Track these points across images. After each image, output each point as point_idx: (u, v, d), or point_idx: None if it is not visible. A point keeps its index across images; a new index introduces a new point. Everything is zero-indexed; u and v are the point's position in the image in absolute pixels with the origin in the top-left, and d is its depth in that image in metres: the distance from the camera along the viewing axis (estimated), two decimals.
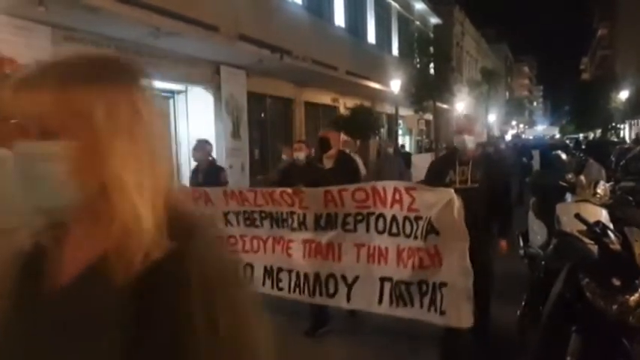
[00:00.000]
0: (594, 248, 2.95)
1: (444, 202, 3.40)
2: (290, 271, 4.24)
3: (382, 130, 22.60)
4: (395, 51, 24.21)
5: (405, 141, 25.12)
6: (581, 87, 45.74)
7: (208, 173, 5.78)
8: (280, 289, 4.29)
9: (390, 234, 3.73)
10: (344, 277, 3.95)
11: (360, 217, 3.89)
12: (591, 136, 38.83)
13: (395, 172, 9.07)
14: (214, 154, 12.54)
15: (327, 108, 18.92)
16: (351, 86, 18.23)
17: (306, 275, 4.13)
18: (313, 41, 15.55)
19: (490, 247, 3.90)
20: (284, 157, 8.12)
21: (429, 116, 25.78)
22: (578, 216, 3.11)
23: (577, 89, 44.82)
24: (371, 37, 21.62)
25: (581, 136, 40.90)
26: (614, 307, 2.52)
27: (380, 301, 3.73)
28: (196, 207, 4.22)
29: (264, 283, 4.35)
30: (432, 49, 23.36)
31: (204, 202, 4.65)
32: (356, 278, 3.90)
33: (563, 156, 10.11)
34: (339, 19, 18.47)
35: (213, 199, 4.63)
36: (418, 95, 21.94)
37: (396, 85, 17.99)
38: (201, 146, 6.22)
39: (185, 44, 10.46)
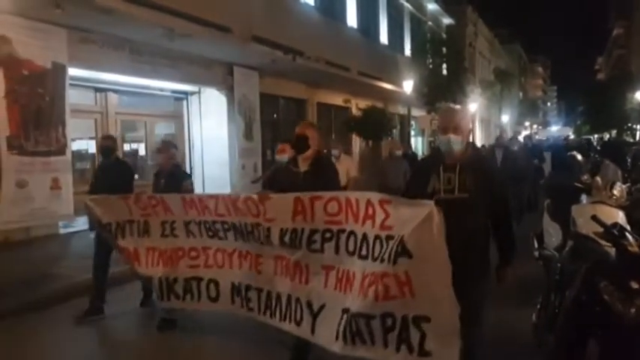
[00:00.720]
0: (611, 250, 2.91)
1: (420, 218, 2.74)
2: (260, 290, 3.71)
3: (394, 130, 22.54)
4: (407, 52, 24.12)
5: (418, 142, 25.01)
6: (597, 87, 45.23)
7: (171, 179, 5.09)
8: (250, 309, 3.78)
9: (360, 256, 3.09)
10: (309, 305, 3.34)
11: (328, 235, 3.26)
12: (606, 136, 38.33)
13: (400, 174, 8.93)
14: (226, 155, 12.68)
15: (340, 109, 18.92)
16: (363, 87, 18.20)
17: (278, 296, 3.59)
18: (326, 42, 15.56)
19: (484, 279, 3.03)
20: (277, 157, 8.02)
21: None
22: (594, 218, 3.08)
23: (592, 89, 44.29)
24: (383, 38, 21.57)
25: (595, 136, 40.41)
26: (632, 310, 2.49)
27: (337, 337, 3.07)
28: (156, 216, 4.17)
29: (232, 301, 3.88)
30: (444, 49, 23.26)
31: (164, 211, 4.20)
32: (322, 307, 3.28)
33: (579, 157, 10.00)
34: (352, 19, 18.46)
35: (172, 208, 4.16)
36: (431, 96, 21.85)
37: (408, 85, 17.94)
38: (166, 148, 5.48)
39: (198, 46, 10.54)
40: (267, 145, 14.37)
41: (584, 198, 5.14)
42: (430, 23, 27.61)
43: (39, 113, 7.90)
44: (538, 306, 3.74)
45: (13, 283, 5.81)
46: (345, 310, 3.03)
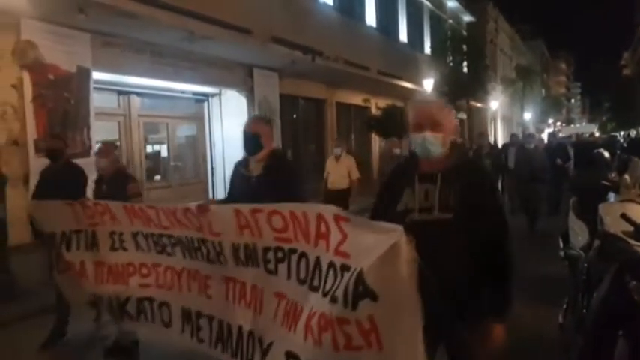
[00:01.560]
0: None
1: (383, 249, 1.97)
2: (211, 319, 3.05)
3: None
4: (427, 50, 23.95)
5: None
6: (623, 83, 44.24)
7: (114, 184, 4.61)
8: (201, 341, 3.11)
9: (311, 287, 2.37)
10: (260, 341, 2.71)
11: (280, 255, 2.55)
12: (633, 133, 37.47)
13: None
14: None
15: (359, 108, 18.88)
16: (383, 86, 18.14)
17: (229, 327, 2.93)
18: (345, 42, 15.54)
19: (470, 335, 2.30)
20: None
21: (463, 115, 25.40)
22: (624, 216, 3.01)
23: (618, 85, 43.34)
24: (403, 36, 21.46)
25: (622, 133, 39.53)
26: None
27: None
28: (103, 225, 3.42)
29: (182, 330, 3.22)
30: (465, 47, 23.03)
31: (111, 219, 3.59)
32: (270, 345, 2.63)
33: (606, 154, 9.81)
34: (371, 18, 18.41)
35: (118, 216, 3.56)
36: (451, 94, 21.64)
37: (428, 84, 17.83)
38: (107, 151, 4.93)
39: (219, 48, 10.64)
40: (287, 146, 14.42)
41: (611, 196, 5.04)
42: (450, 21, 27.37)
43: (65, 116, 8.07)
44: (564, 306, 3.68)
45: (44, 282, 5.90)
46: (291, 356, 2.39)
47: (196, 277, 3.13)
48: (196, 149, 12.83)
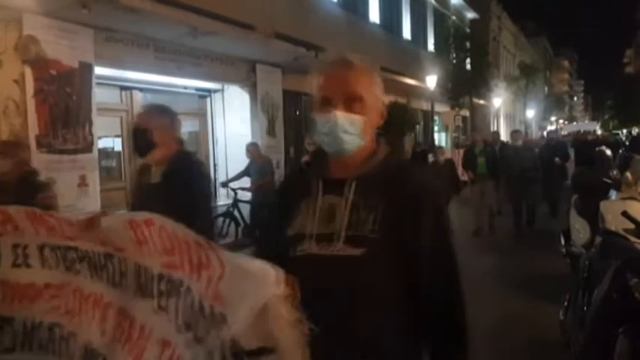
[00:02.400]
0: None
1: (258, 302, 1.32)
2: None
3: (418, 126, 22.37)
4: (430, 46, 23.89)
5: (441, 138, 24.78)
6: (626, 80, 44.10)
7: (22, 191, 3.89)
8: None
9: (196, 338, 1.68)
10: None
11: (168, 287, 1.80)
12: (635, 131, 37.37)
13: None
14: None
15: None
16: (385, 82, 17.19)
17: None
18: (348, 38, 15.52)
19: None
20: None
21: (466, 112, 25.34)
22: (625, 214, 3.02)
23: (621, 83, 43.20)
24: (406, 33, 21.40)
25: (624, 131, 39.43)
26: None
27: None
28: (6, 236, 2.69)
29: None
30: (468, 44, 22.98)
31: (13, 229, 2.72)
32: None
33: (608, 152, 9.79)
34: (374, 15, 18.36)
35: (20, 224, 2.75)
36: (454, 91, 21.62)
37: (431, 81, 17.78)
38: (10, 150, 4.13)
39: (222, 43, 10.63)
40: (290, 142, 14.42)
41: (613, 194, 5.04)
42: (454, 18, 27.26)
43: (67, 112, 8.07)
44: (565, 303, 3.67)
45: None
46: None
47: (100, 303, 2.23)
48: (199, 145, 12.82)
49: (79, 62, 8.18)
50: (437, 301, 1.45)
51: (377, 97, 1.64)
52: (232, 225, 9.69)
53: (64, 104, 8.05)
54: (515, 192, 9.31)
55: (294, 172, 2.02)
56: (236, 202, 9.60)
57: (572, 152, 13.11)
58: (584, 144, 15.72)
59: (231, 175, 12.47)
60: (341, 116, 1.48)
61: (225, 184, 9.78)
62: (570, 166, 11.80)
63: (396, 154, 1.61)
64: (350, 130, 1.49)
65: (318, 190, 1.53)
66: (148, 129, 2.72)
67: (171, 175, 2.66)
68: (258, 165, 9.96)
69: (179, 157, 2.77)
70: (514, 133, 10.65)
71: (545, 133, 41.86)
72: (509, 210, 9.56)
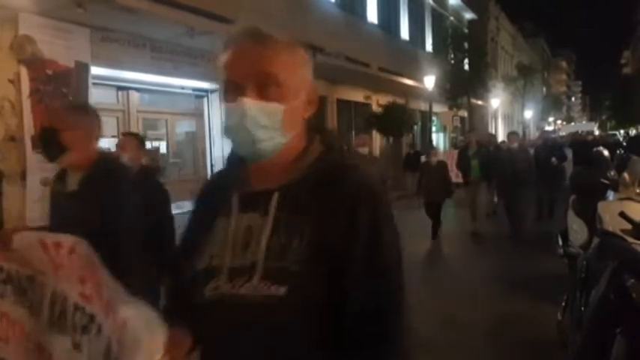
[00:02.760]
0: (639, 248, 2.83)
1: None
2: None
3: (416, 127, 22.38)
4: (429, 47, 23.90)
5: (439, 139, 24.79)
6: (623, 81, 44.21)
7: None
8: None
9: None
10: None
11: (84, 321, 1.41)
12: (632, 132, 37.45)
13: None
14: None
15: (360, 105, 18.85)
16: (384, 83, 18.10)
17: None
18: (346, 38, 15.50)
19: None
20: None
21: (464, 113, 25.36)
22: (622, 214, 3.00)
23: (618, 84, 43.31)
24: (404, 33, 21.41)
25: (622, 132, 39.51)
26: None
27: None
28: None
29: None
30: (466, 44, 23.00)
31: None
32: None
33: (605, 152, 9.78)
34: (372, 15, 18.36)
35: None
36: (452, 92, 21.63)
37: (430, 81, 17.79)
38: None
39: (219, 43, 10.57)
40: None
41: (610, 194, 5.02)
42: (452, 18, 27.29)
43: None
44: (563, 304, 3.66)
45: None
46: None
47: (23, 334, 1.87)
48: (196, 146, 12.80)
49: (75, 62, 8.15)
50: (363, 337, 1.05)
51: (302, 79, 1.25)
52: None
53: (60, 104, 8.01)
54: (507, 194, 9.11)
55: (211, 181, 1.53)
56: None
57: (569, 152, 12.66)
58: (582, 144, 15.67)
59: None
60: (251, 105, 1.11)
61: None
62: (568, 167, 11.48)
63: (333, 152, 1.21)
64: (265, 124, 1.11)
65: (231, 207, 1.17)
66: (58, 129, 2.29)
67: (89, 183, 2.25)
68: None
69: (101, 162, 2.36)
70: (510, 135, 10.39)
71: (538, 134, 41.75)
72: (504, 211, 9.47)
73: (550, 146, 11.22)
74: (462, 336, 4.19)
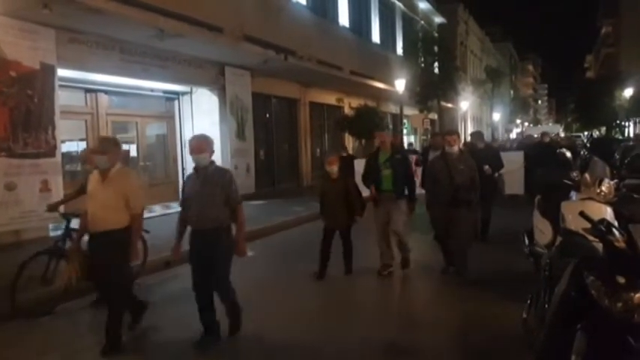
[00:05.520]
0: (599, 246, 2.93)
1: None
2: None
3: (387, 129, 22.58)
4: (399, 50, 24.17)
5: (411, 140, 25.09)
6: (586, 85, 45.52)
7: None
8: None
9: None
10: None
11: None
12: (596, 133, 38.63)
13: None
14: (219, 155, 12.63)
15: (332, 108, 18.94)
16: (355, 86, 18.22)
17: None
18: (318, 41, 15.56)
19: None
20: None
21: (434, 115, 25.72)
22: (582, 214, 3.10)
23: (582, 87, 44.60)
24: (375, 37, 21.60)
25: (585, 133, 40.70)
26: (619, 304, 2.50)
27: None
28: None
29: None
30: (436, 48, 23.33)
31: None
32: None
33: (568, 154, 10.02)
34: (344, 18, 18.48)
35: None
36: (423, 94, 21.92)
37: (400, 84, 17.99)
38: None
39: (190, 46, 10.51)
40: (259, 145, 14.35)
41: (573, 194, 5.19)
42: (422, 22, 27.68)
43: (28, 115, 7.84)
44: (528, 302, 3.76)
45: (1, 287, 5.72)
46: None
47: None
48: (167, 149, 12.65)
49: (40, 63, 7.97)
50: None
51: None
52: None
53: (25, 107, 7.82)
54: (438, 217, 6.08)
55: None
56: (69, 232, 5.51)
57: (517, 157, 11.25)
58: (541, 147, 13.85)
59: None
60: None
61: (54, 208, 6.08)
62: (511, 176, 9.84)
63: None
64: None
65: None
66: None
67: None
68: None
69: None
70: (474, 135, 8.55)
71: (512, 136, 41.95)
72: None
73: (484, 152, 7.98)
74: (426, 336, 4.24)
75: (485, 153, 7.88)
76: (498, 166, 8.06)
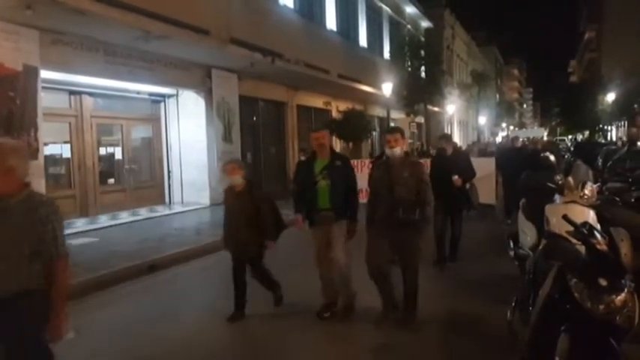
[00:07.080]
0: (582, 249, 2.96)
1: None
2: None
3: (374, 133, 22.67)
4: (386, 54, 24.29)
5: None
6: (570, 89, 46.20)
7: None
8: None
9: None
10: None
11: None
12: (579, 137, 39.18)
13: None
14: (205, 158, 12.57)
15: (320, 111, 18.95)
16: (343, 89, 18.26)
17: None
18: (305, 44, 15.58)
19: None
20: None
21: (421, 119, 25.87)
22: (565, 217, 3.13)
23: (565, 92, 45.24)
24: (362, 41, 21.69)
25: (570, 137, 41.27)
26: (602, 307, 2.53)
27: None
28: None
29: None
30: (422, 52, 23.48)
31: None
32: None
33: (552, 157, 10.10)
34: (331, 22, 18.53)
35: None
36: (409, 98, 22.03)
37: (387, 88, 18.07)
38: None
39: (176, 48, 10.45)
40: (246, 148, 14.30)
41: (557, 198, 5.24)
42: (409, 26, 27.86)
43: (9, 117, 7.74)
44: (513, 304, 3.78)
45: None
46: None
47: None
48: (152, 151, 12.56)
49: (23, 65, 7.87)
50: None
51: None
52: None
53: (7, 109, 7.72)
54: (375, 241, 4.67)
55: None
56: None
57: (489, 163, 9.62)
58: (512, 152, 11.98)
59: (185, 182, 12.10)
60: None
61: None
62: (482, 184, 7.97)
63: None
64: None
65: None
66: None
67: None
68: None
69: None
70: (441, 139, 7.55)
71: (498, 139, 42.05)
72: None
73: (451, 157, 6.92)
74: (413, 336, 4.26)
75: (454, 160, 6.79)
76: (470, 174, 6.88)
